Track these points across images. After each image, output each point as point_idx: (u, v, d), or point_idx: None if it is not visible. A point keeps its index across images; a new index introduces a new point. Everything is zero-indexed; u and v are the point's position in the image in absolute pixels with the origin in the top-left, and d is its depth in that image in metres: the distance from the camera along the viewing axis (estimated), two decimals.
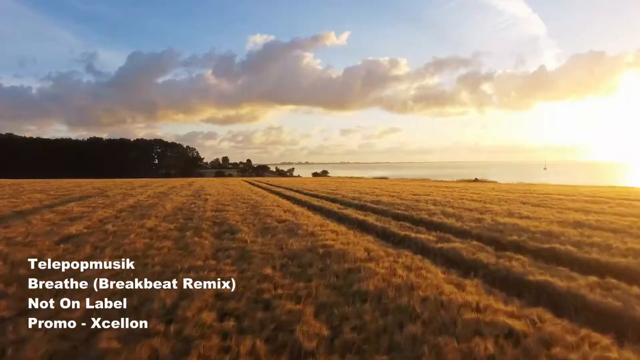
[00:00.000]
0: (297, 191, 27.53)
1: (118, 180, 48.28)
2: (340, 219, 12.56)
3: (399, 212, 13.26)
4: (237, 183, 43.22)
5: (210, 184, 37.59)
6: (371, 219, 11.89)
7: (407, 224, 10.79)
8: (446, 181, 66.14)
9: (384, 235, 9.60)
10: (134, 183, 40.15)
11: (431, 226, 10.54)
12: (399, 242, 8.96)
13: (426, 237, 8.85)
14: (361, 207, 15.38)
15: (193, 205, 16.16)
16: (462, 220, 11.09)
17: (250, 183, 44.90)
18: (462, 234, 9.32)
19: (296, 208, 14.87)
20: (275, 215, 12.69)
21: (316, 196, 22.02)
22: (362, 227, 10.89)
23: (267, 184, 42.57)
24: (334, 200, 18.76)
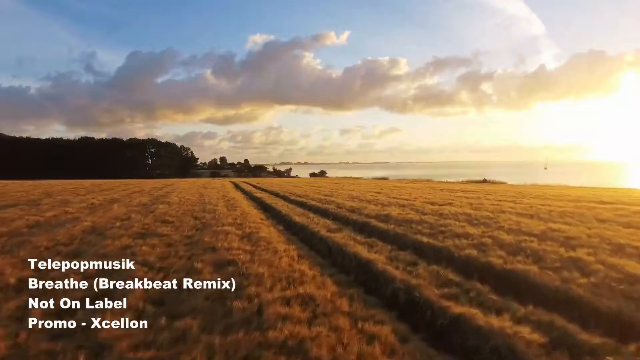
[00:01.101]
0: (283, 197, 22.57)
1: (88, 182, 43.18)
2: (330, 257, 7.59)
3: (424, 239, 8.28)
4: (221, 185, 38.24)
5: (188, 187, 32.60)
6: (382, 257, 6.93)
7: (450, 274, 5.83)
8: (452, 182, 61.16)
9: (410, 311, 4.63)
10: (101, 186, 35.10)
11: (496, 281, 5.58)
12: (445, 334, 4.01)
13: (511, 326, 3.90)
14: (363, 228, 10.43)
15: (120, 224, 11.18)
16: (547, 264, 6.13)
17: (235, 185, 39.92)
18: (581, 312, 4.38)
19: (264, 230, 9.89)
20: (223, 247, 7.73)
21: (304, 205, 17.04)
22: (366, 279, 5.93)
23: (255, 186, 37.60)
24: (325, 213, 13.78)
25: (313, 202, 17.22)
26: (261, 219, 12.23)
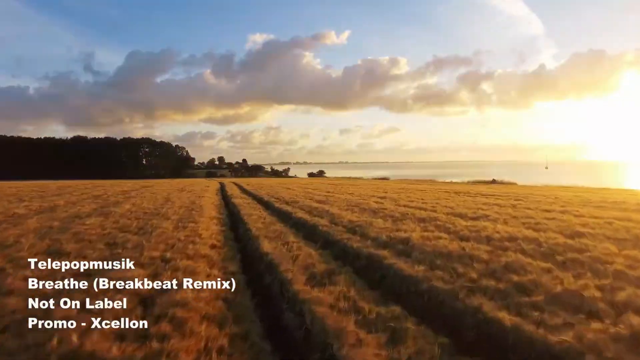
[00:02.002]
0: (266, 203, 18.35)
1: (56, 184, 38.76)
2: None
3: (502, 315, 4.02)
4: (204, 188, 33.93)
5: (162, 190, 28.29)
6: None
7: None
8: (459, 183, 56.87)
9: None
10: (67, 188, 30.78)
11: None
12: None
13: None
14: (371, 271, 6.18)
15: None
16: None
17: (221, 187, 35.67)
18: None
19: (199, 274, 5.62)
20: (73, 341, 3.48)
21: (287, 218, 12.84)
22: None
23: (242, 188, 33.34)
24: (313, 234, 9.56)
25: (301, 214, 12.94)
26: (212, 246, 7.96)
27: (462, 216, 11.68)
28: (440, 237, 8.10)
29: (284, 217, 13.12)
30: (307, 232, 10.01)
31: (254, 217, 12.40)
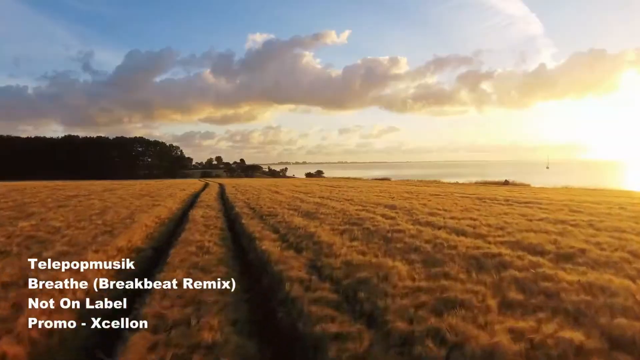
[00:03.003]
0: (234, 216, 13.50)
1: (5, 186, 33.78)
2: None
3: None
4: (173, 192, 28.97)
5: (120, 195, 23.35)
6: None
7: None
8: (466, 184, 51.94)
9: None
10: (8, 195, 25.87)
11: None
12: None
13: None
14: None
15: None
16: None
17: (200, 191, 30.78)
18: None
19: None
20: None
21: (242, 250, 7.96)
22: None
23: (224, 190, 28.48)
24: (266, 291, 4.67)
25: (267, 244, 7.99)
26: None
27: (540, 252, 6.76)
28: (570, 339, 3.20)
29: (240, 247, 8.24)
30: (258, 294, 5.13)
31: (189, 251, 7.49)
